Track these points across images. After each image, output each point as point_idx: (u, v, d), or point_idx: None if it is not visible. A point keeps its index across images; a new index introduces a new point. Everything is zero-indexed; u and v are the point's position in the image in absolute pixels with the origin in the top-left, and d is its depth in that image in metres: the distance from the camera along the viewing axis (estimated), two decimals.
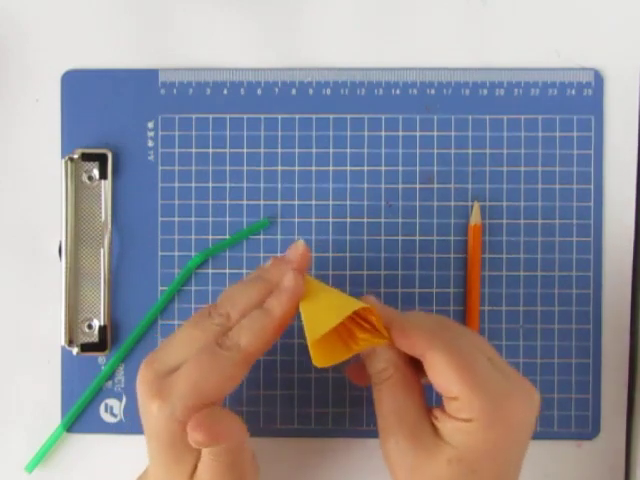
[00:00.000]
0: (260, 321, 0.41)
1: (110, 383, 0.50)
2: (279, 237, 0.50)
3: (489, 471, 0.40)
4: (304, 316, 0.41)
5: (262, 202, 0.50)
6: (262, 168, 0.50)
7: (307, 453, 0.50)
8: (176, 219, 0.50)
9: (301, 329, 0.49)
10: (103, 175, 0.50)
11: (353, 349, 0.41)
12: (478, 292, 0.50)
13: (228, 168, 0.50)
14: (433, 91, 0.50)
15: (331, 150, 0.50)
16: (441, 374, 0.40)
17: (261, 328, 0.41)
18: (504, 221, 0.50)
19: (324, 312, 0.40)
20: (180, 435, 0.40)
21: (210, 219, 0.50)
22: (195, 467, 0.41)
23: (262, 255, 0.50)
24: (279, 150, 0.50)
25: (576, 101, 0.50)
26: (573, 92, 0.50)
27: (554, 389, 0.50)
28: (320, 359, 0.40)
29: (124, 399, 0.50)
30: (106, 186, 0.50)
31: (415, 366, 0.42)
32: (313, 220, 0.50)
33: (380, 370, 0.42)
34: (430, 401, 0.43)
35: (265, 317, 0.41)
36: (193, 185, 0.50)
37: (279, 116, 0.50)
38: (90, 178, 0.50)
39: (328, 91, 0.50)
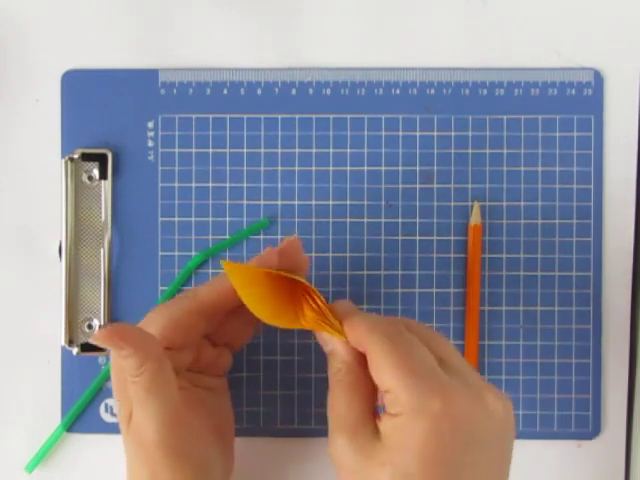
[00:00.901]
0: (222, 279, 0.44)
1: (110, 383, 0.50)
2: (279, 237, 0.50)
3: (423, 475, 0.38)
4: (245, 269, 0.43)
5: (262, 202, 0.50)
6: (262, 168, 0.50)
7: (307, 453, 0.50)
8: (176, 219, 0.50)
9: (301, 330, 0.49)
10: (103, 175, 0.50)
11: (300, 322, 0.42)
12: (478, 292, 0.50)
13: (228, 168, 0.50)
14: (433, 91, 0.50)
15: (331, 150, 0.50)
16: (376, 365, 0.40)
17: (220, 282, 0.43)
18: (504, 221, 0.50)
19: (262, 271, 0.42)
20: (120, 375, 0.42)
21: (210, 219, 0.50)
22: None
23: None
24: (279, 150, 0.50)
25: (576, 101, 0.50)
26: (573, 92, 0.50)
27: (554, 389, 0.50)
28: (266, 313, 0.42)
29: None
30: (106, 186, 0.50)
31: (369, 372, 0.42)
32: (313, 220, 0.50)
33: (334, 372, 0.42)
34: None
35: (227, 277, 0.43)
36: (193, 185, 0.50)
37: (279, 116, 0.50)
38: (90, 178, 0.50)
39: (328, 91, 0.50)
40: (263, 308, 0.42)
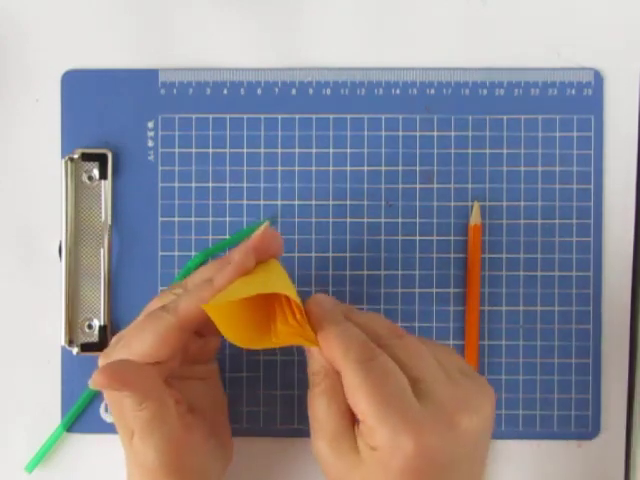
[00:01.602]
0: (201, 289, 0.42)
1: None
2: None
3: None
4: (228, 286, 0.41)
5: (262, 202, 0.50)
6: (262, 168, 0.50)
7: (307, 453, 0.50)
8: (176, 219, 0.50)
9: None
10: (103, 175, 0.50)
11: (272, 341, 0.41)
12: (478, 292, 0.50)
13: (228, 168, 0.50)
14: (433, 91, 0.50)
15: (331, 150, 0.50)
16: (351, 394, 0.39)
17: (200, 296, 0.41)
18: (504, 221, 0.50)
19: (244, 286, 0.41)
20: (116, 396, 0.42)
21: (210, 219, 0.50)
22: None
23: None
24: (279, 150, 0.50)
25: (576, 101, 0.50)
26: (573, 92, 0.50)
27: (554, 389, 0.50)
28: (239, 337, 0.40)
29: None
30: (106, 186, 0.50)
31: None
32: (313, 220, 0.50)
33: (314, 373, 0.42)
34: None
35: (207, 286, 0.42)
36: (193, 185, 0.50)
37: (279, 116, 0.50)
38: (90, 178, 0.50)
39: (328, 91, 0.50)
40: (241, 334, 0.40)
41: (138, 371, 0.41)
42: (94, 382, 0.40)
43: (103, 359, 0.43)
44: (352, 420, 0.41)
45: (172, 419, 0.42)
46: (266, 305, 0.42)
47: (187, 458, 0.42)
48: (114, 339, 0.44)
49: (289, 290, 0.40)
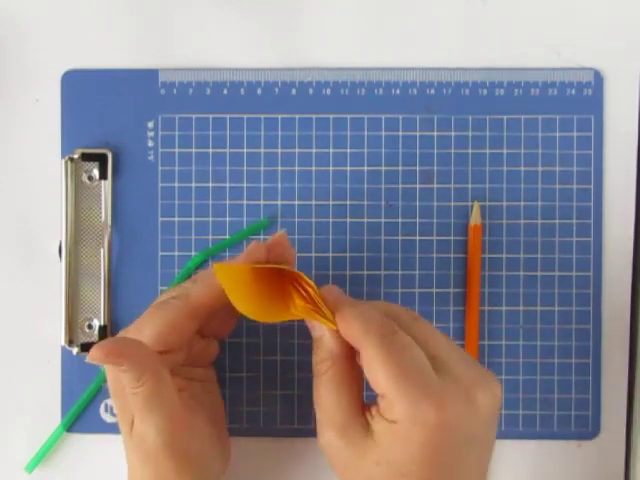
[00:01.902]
0: (210, 277, 0.43)
1: None
2: None
3: (420, 476, 0.39)
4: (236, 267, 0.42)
5: (262, 202, 0.50)
6: (262, 168, 0.50)
7: (307, 453, 0.50)
8: (176, 219, 0.50)
9: (301, 329, 0.49)
10: (103, 175, 0.50)
11: (292, 313, 0.42)
12: (478, 292, 0.50)
13: (228, 168, 0.50)
14: (433, 91, 0.50)
15: (331, 150, 0.50)
16: (371, 369, 0.40)
17: (210, 283, 0.43)
18: (504, 221, 0.50)
19: (251, 268, 0.42)
20: (118, 383, 0.42)
21: (210, 219, 0.50)
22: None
23: None
24: (279, 150, 0.50)
25: (576, 101, 0.50)
26: (573, 92, 0.50)
27: (554, 389, 0.50)
28: (249, 308, 0.41)
29: None
30: (106, 186, 0.50)
31: (356, 362, 0.42)
32: (313, 220, 0.50)
33: (319, 361, 0.42)
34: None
35: (212, 276, 0.42)
36: (193, 185, 0.50)
37: (279, 116, 0.50)
38: (90, 178, 0.50)
39: (328, 91, 0.50)
40: (253, 306, 0.41)
41: (135, 346, 0.41)
42: (91, 356, 0.40)
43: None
44: (361, 407, 0.41)
45: (172, 395, 0.42)
46: (279, 287, 0.43)
47: (188, 440, 0.42)
48: (121, 332, 0.44)
49: (300, 273, 0.42)
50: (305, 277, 0.42)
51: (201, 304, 0.43)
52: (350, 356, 0.41)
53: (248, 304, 0.41)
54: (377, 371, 0.39)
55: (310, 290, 0.42)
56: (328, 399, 0.41)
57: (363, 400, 0.42)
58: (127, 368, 0.40)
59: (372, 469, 0.40)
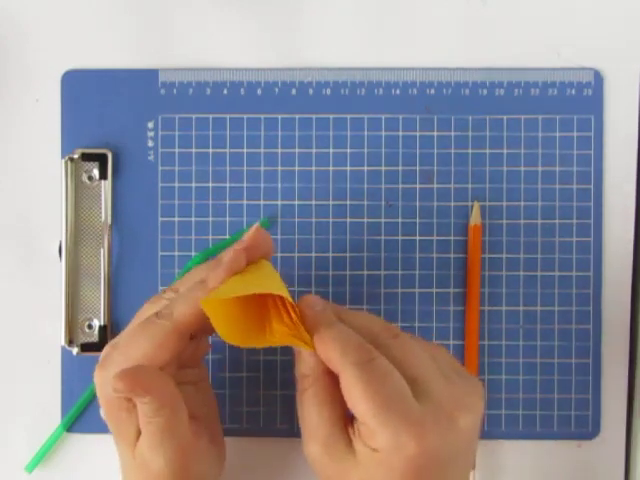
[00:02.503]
0: (194, 292, 0.42)
1: None
2: (279, 237, 0.50)
3: None
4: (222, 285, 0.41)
5: (262, 202, 0.50)
6: (262, 168, 0.50)
7: None
8: (176, 219, 0.50)
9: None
10: (103, 175, 0.50)
11: (267, 339, 0.41)
12: (478, 292, 0.50)
13: (228, 168, 0.50)
14: (433, 91, 0.50)
15: (331, 150, 0.50)
16: (351, 396, 0.39)
17: (194, 298, 0.41)
18: (504, 221, 0.50)
19: (239, 284, 0.41)
20: (117, 402, 0.42)
21: (210, 219, 0.50)
22: (137, 437, 0.42)
23: None
24: (279, 150, 0.50)
25: (576, 101, 0.50)
26: (573, 92, 0.50)
27: (554, 389, 0.50)
28: (234, 335, 0.40)
29: None
30: (106, 186, 0.50)
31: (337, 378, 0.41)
32: (313, 220, 0.50)
33: (301, 376, 0.42)
34: None
35: (200, 288, 0.42)
36: (193, 185, 0.50)
37: (279, 116, 0.50)
38: (90, 178, 0.50)
39: (328, 91, 0.50)
40: (235, 332, 0.40)
41: (157, 377, 0.41)
42: (116, 388, 0.39)
43: (99, 371, 0.42)
44: (345, 423, 0.41)
45: (184, 427, 0.42)
46: (260, 305, 0.42)
47: (194, 465, 0.42)
48: (106, 349, 0.43)
49: (283, 290, 0.40)
50: (288, 298, 0.40)
51: (187, 321, 0.41)
52: (332, 372, 0.41)
53: (231, 330, 0.40)
54: (357, 399, 0.39)
55: (292, 313, 0.41)
56: (311, 416, 0.41)
57: (346, 415, 0.41)
58: (149, 400, 0.40)
59: None
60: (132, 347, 0.42)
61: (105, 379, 0.41)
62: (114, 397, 0.42)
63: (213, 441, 0.44)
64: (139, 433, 0.42)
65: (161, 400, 0.40)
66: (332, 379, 0.41)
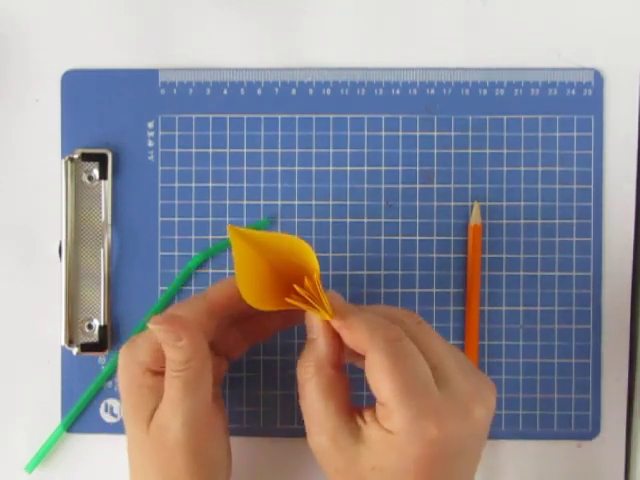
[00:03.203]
0: (230, 279, 0.44)
1: (110, 383, 0.50)
2: None
3: None
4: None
5: (262, 202, 0.50)
6: (262, 168, 0.50)
7: (307, 453, 0.50)
8: (176, 219, 0.50)
9: (301, 329, 0.49)
10: (103, 175, 0.50)
11: (287, 302, 0.41)
12: (478, 292, 0.50)
13: (228, 168, 0.50)
14: (433, 91, 0.50)
15: (331, 150, 0.50)
16: (375, 375, 0.39)
17: (228, 284, 0.44)
18: (504, 221, 0.50)
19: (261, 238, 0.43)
20: (141, 379, 0.42)
21: (210, 219, 0.50)
22: (154, 412, 0.42)
23: None
24: (279, 150, 0.50)
25: (576, 101, 0.50)
26: (573, 92, 0.50)
27: (554, 389, 0.50)
28: (255, 298, 0.42)
29: None
30: (106, 186, 0.50)
31: (342, 369, 0.42)
32: (313, 220, 0.50)
33: (303, 364, 0.42)
34: None
35: (232, 277, 0.43)
36: (193, 185, 0.50)
37: (279, 116, 0.50)
38: (90, 178, 0.50)
39: (328, 91, 0.50)
40: (253, 288, 0.42)
41: (194, 325, 0.42)
42: (155, 321, 0.41)
43: (127, 348, 0.43)
44: (352, 412, 0.41)
45: (208, 388, 0.42)
46: (283, 276, 0.43)
47: (207, 441, 0.42)
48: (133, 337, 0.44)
49: (310, 252, 0.42)
50: (314, 261, 0.41)
51: (217, 302, 0.44)
52: (336, 365, 0.41)
53: (251, 284, 0.42)
54: (381, 380, 0.39)
55: (317, 286, 0.41)
56: (314, 406, 0.41)
57: (351, 405, 0.42)
58: (186, 344, 0.41)
59: (367, 474, 0.40)
60: None
61: (133, 356, 0.43)
62: (139, 374, 0.42)
63: (226, 443, 0.45)
64: (156, 409, 0.42)
65: (194, 347, 0.41)
66: (336, 371, 0.41)
